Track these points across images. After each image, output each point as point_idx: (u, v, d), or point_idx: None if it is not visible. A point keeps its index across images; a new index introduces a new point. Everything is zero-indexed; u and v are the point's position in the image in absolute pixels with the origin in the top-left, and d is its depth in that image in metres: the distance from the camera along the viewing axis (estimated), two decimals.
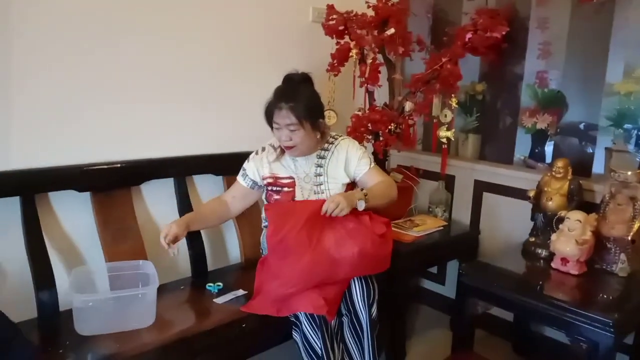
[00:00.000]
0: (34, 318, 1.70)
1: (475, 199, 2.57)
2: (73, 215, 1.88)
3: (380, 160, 2.48)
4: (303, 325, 1.70)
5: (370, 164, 1.98)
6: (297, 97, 1.79)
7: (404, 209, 2.50)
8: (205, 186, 2.24)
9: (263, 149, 1.97)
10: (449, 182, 2.64)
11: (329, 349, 1.70)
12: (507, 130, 2.51)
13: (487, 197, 2.53)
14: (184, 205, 2.11)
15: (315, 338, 1.69)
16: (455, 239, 2.47)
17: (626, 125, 2.14)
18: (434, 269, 2.81)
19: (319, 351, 1.68)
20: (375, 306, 1.81)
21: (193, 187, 2.21)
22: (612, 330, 1.59)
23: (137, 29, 1.96)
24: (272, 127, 1.86)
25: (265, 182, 1.95)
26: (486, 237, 2.53)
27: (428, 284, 2.86)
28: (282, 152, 1.92)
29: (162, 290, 1.92)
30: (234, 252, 2.32)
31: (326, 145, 1.95)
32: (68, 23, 1.79)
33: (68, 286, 1.66)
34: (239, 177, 2.01)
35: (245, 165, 1.99)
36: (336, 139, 1.98)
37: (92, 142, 1.90)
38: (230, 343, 1.64)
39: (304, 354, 1.72)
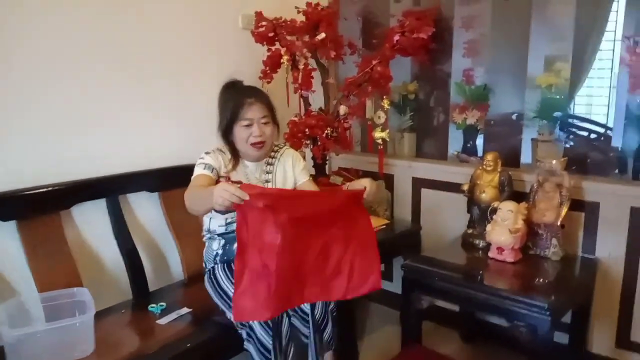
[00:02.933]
0: None
1: (415, 196, 2.63)
2: None
3: (319, 164, 2.50)
4: (257, 333, 1.67)
5: (309, 177, 2.04)
6: (261, 93, 1.89)
7: None
8: (140, 204, 2.17)
9: (213, 151, 1.88)
10: (389, 181, 2.69)
11: (282, 350, 1.69)
12: (440, 127, 2.59)
13: (426, 193, 2.60)
14: (119, 225, 2.03)
15: (270, 342, 1.66)
16: (398, 236, 2.51)
17: (549, 116, 2.25)
18: (381, 267, 2.84)
19: (276, 349, 1.67)
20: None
21: (127, 206, 2.13)
22: (547, 313, 1.66)
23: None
24: (228, 128, 1.82)
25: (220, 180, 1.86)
26: (428, 232, 2.59)
27: None
28: (235, 160, 1.89)
29: (102, 315, 1.87)
30: (176, 269, 2.26)
31: (272, 153, 1.98)
32: None
33: None
34: (203, 170, 1.81)
35: (205, 160, 1.83)
36: (281, 147, 2.03)
37: (13, 167, 1.80)
38: None
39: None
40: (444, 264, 2.07)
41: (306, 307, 1.79)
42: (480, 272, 1.99)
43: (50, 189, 1.85)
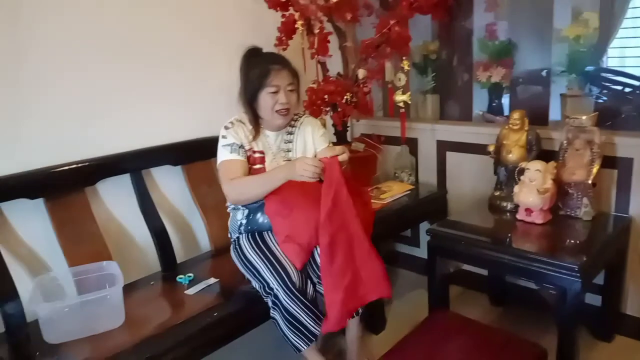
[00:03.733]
0: (1, 333, 1.66)
1: (440, 159, 2.57)
2: (28, 224, 1.81)
3: (340, 131, 2.46)
4: (282, 301, 1.69)
5: (328, 143, 2.02)
6: (287, 60, 1.86)
7: (370, 178, 2.49)
8: (164, 178, 2.19)
9: (232, 124, 1.88)
10: (413, 145, 2.64)
11: (305, 309, 1.70)
12: (463, 87, 2.51)
13: (451, 156, 2.54)
14: (144, 199, 2.06)
15: (296, 309, 1.69)
16: (424, 201, 2.47)
17: (579, 70, 2.15)
18: (407, 233, 2.83)
19: (304, 321, 1.69)
20: None
21: (152, 180, 2.15)
22: (578, 275, 1.62)
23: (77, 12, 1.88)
24: (253, 96, 1.81)
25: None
26: (454, 195, 2.55)
27: (403, 248, 2.88)
28: (256, 129, 1.88)
29: (131, 287, 1.92)
30: (203, 241, 2.29)
31: (292, 122, 1.97)
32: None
33: (29, 296, 1.62)
34: (231, 155, 1.81)
35: (228, 139, 1.83)
36: (300, 116, 2.02)
37: (38, 146, 1.82)
38: (204, 333, 1.61)
39: (286, 329, 1.72)
40: (470, 228, 2.04)
41: None
42: (508, 234, 1.96)
43: (74, 166, 1.88)
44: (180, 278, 1.93)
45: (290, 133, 1.96)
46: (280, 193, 1.78)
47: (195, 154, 2.20)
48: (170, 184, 2.21)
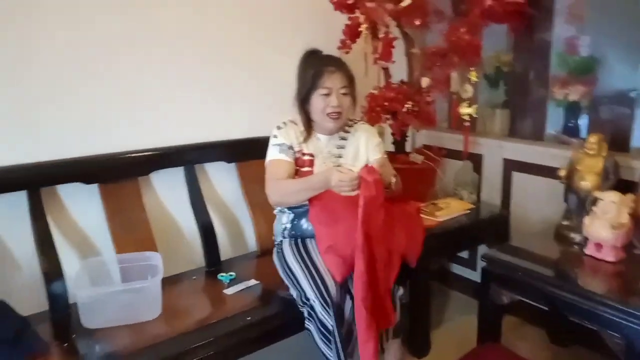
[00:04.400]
0: (45, 311, 1.71)
1: (505, 179, 2.41)
2: (81, 208, 1.87)
3: (398, 141, 2.36)
4: (318, 313, 1.63)
5: (382, 154, 1.94)
6: (343, 63, 1.82)
7: (426, 192, 2.37)
8: (217, 174, 2.20)
9: (285, 124, 1.87)
10: (477, 162, 2.49)
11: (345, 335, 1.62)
12: (537, 103, 2.33)
13: (518, 177, 2.36)
14: (195, 194, 2.07)
15: (332, 323, 1.61)
16: (483, 222, 2.33)
17: None
18: (464, 254, 2.67)
19: (337, 337, 1.61)
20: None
21: (205, 175, 2.17)
22: None
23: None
24: (306, 97, 1.79)
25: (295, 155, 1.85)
26: (517, 219, 2.37)
27: (458, 269, 2.73)
28: (308, 131, 1.85)
29: (173, 280, 1.93)
30: (250, 240, 2.27)
31: (347, 127, 1.92)
32: None
33: (75, 277, 1.66)
34: (279, 155, 1.80)
35: (278, 139, 1.82)
36: (356, 122, 1.97)
37: (97, 132, 1.87)
38: (235, 335, 1.58)
39: (320, 342, 1.65)
40: (530, 257, 1.88)
41: None
42: (573, 270, 1.78)
43: (130, 155, 1.92)
44: (222, 276, 1.92)
45: (343, 138, 1.90)
46: (326, 200, 1.72)
47: (250, 153, 2.18)
48: (223, 181, 2.21)
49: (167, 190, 2.06)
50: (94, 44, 1.83)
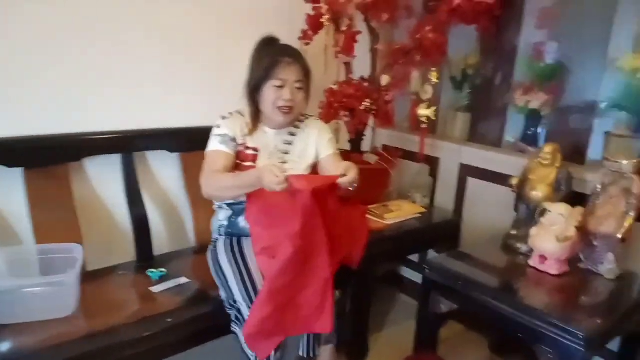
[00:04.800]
0: None
1: (460, 185, 2.34)
2: (3, 192, 1.74)
3: (354, 140, 2.28)
4: (245, 316, 1.54)
5: (335, 150, 1.85)
6: (300, 55, 1.72)
7: (379, 194, 2.29)
8: (159, 164, 2.08)
9: (230, 114, 1.76)
10: (434, 165, 2.42)
11: None
12: (498, 109, 2.27)
13: (473, 183, 2.30)
14: (131, 184, 1.95)
15: None
16: (434, 227, 2.26)
17: (631, 107, 1.87)
18: (415, 257, 2.61)
19: None
20: None
21: (145, 164, 2.05)
22: (582, 343, 1.37)
23: None
24: (257, 87, 1.68)
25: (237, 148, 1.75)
26: (469, 226, 2.31)
27: (408, 273, 2.67)
28: (254, 124, 1.75)
29: (99, 274, 1.82)
30: (190, 236, 2.16)
31: (297, 122, 1.82)
32: None
33: None
34: (219, 146, 1.69)
35: (221, 129, 1.71)
36: (307, 117, 1.86)
37: (26, 112, 1.75)
38: (150, 339, 1.49)
39: (247, 347, 1.57)
40: (473, 266, 1.82)
41: None
42: (513, 281, 1.72)
43: (58, 138, 1.79)
44: (152, 272, 1.81)
45: (292, 134, 1.80)
46: (264, 200, 1.63)
47: (196, 143, 2.03)
48: (165, 171, 2.10)
49: (101, 179, 1.94)
50: (33, 27, 1.71)
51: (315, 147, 1.81)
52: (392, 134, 2.62)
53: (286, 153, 1.78)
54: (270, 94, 1.67)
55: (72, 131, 1.83)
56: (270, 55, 1.67)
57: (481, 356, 2.16)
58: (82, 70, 1.84)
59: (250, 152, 1.74)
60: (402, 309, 2.51)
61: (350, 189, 1.57)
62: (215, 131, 1.73)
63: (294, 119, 1.77)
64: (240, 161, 1.73)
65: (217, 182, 1.65)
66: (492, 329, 2.21)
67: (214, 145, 1.71)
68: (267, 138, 1.77)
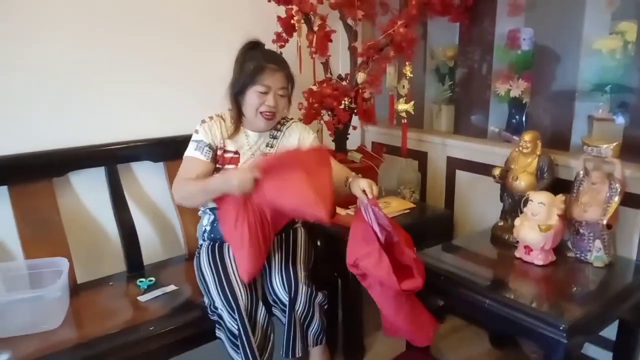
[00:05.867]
0: None
1: (449, 178, 2.32)
2: None
3: (339, 140, 2.28)
4: (226, 321, 1.56)
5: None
6: (286, 63, 1.74)
7: None
8: (144, 174, 2.10)
9: (210, 118, 1.77)
10: (422, 160, 2.41)
11: (249, 332, 1.55)
12: (481, 99, 2.24)
13: (461, 176, 2.28)
14: (117, 196, 1.97)
15: (242, 331, 1.54)
16: (425, 222, 2.23)
17: (612, 89, 1.84)
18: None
19: (247, 347, 1.54)
20: (301, 294, 1.64)
21: (131, 175, 2.07)
22: (564, 335, 1.35)
23: None
24: (241, 91, 1.69)
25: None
26: (461, 219, 2.29)
27: None
28: (236, 127, 1.76)
29: (89, 286, 1.86)
30: (181, 243, 2.17)
31: (278, 125, 1.83)
32: None
33: None
34: (194, 152, 1.69)
35: (199, 135, 1.71)
36: (288, 120, 1.87)
37: (5, 131, 1.78)
38: (139, 346, 1.51)
39: (232, 352, 1.59)
40: (458, 261, 1.81)
41: (285, 298, 1.63)
42: (498, 275, 1.71)
43: (42, 155, 1.82)
44: (141, 282, 1.84)
45: (274, 137, 1.81)
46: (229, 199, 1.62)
47: (179, 151, 2.01)
48: (150, 181, 2.12)
49: (87, 192, 1.97)
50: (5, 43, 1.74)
51: (299, 146, 1.81)
52: (380, 131, 2.61)
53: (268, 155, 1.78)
54: (253, 99, 1.68)
55: (55, 147, 1.86)
56: (255, 60, 1.68)
57: (481, 350, 2.13)
58: (60, 86, 1.86)
59: (230, 155, 1.75)
60: None
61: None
62: (193, 136, 1.75)
63: (275, 122, 1.78)
64: (221, 165, 1.74)
65: (184, 189, 1.67)
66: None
67: (190, 151, 1.73)
68: (250, 140, 1.78)
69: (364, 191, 1.62)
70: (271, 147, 1.80)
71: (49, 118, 1.86)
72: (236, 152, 1.75)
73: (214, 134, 1.73)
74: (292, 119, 1.89)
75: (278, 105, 1.69)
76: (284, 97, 1.71)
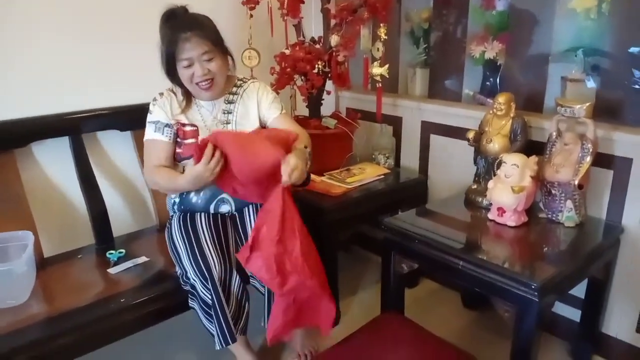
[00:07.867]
0: None
1: (423, 143, 2.31)
2: None
3: (313, 104, 2.23)
4: (198, 291, 1.54)
5: (281, 110, 1.79)
6: (199, 23, 1.60)
7: (341, 158, 2.24)
8: (111, 144, 2.03)
9: (161, 95, 1.71)
10: (397, 125, 2.38)
11: (223, 302, 1.53)
12: (455, 62, 2.21)
13: (435, 140, 2.26)
14: (83, 166, 1.90)
15: (215, 302, 1.53)
16: (400, 187, 2.23)
17: (586, 50, 1.82)
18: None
19: (221, 317, 1.53)
20: None
21: (97, 145, 2.00)
22: (535, 294, 1.37)
23: None
24: (171, 71, 1.62)
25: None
26: (436, 184, 2.29)
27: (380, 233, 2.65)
28: (188, 100, 1.69)
29: (56, 259, 1.81)
30: (153, 214, 2.13)
31: (234, 89, 1.75)
32: None
33: None
34: (156, 134, 1.66)
35: (154, 115, 1.68)
36: (245, 82, 1.79)
37: None
38: (110, 319, 1.48)
39: (205, 322, 1.58)
40: (432, 225, 1.81)
41: None
42: (471, 236, 1.72)
43: (2, 124, 1.73)
44: (111, 254, 1.80)
45: (230, 102, 1.74)
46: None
47: (145, 120, 2.02)
48: (119, 151, 2.05)
49: (52, 163, 1.90)
50: None
51: (258, 110, 1.76)
52: (354, 96, 2.57)
53: (227, 123, 1.73)
54: (183, 74, 1.61)
55: (15, 117, 1.77)
56: (167, 35, 1.59)
57: (455, 312, 2.17)
58: (22, 56, 1.77)
59: (188, 128, 1.69)
60: (375, 271, 2.50)
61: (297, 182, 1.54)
62: (148, 117, 1.70)
63: (227, 86, 1.72)
64: (181, 139, 1.69)
65: (154, 181, 1.69)
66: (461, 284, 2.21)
67: (150, 134, 1.68)
68: (204, 111, 1.72)
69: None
70: (229, 112, 1.73)
71: (6, 86, 1.76)
72: (193, 125, 1.69)
73: (167, 111, 1.68)
74: (250, 79, 1.81)
75: (211, 71, 1.60)
76: (212, 61, 1.60)
